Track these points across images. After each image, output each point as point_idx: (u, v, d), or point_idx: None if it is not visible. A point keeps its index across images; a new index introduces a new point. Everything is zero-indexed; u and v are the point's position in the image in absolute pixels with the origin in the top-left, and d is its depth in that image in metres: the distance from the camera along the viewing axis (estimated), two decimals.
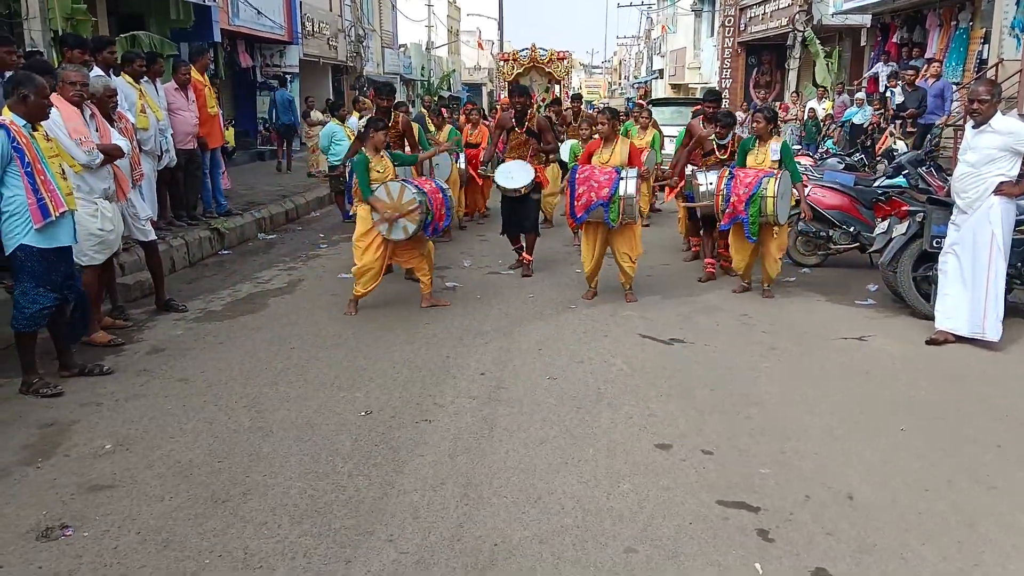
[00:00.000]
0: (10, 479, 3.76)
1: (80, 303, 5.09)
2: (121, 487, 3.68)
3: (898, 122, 13.24)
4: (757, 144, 7.23)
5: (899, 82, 13.85)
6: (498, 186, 8.02)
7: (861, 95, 16.07)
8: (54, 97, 5.29)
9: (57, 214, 4.69)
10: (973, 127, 5.82)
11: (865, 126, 14.80)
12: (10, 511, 3.46)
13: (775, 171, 6.97)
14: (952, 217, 5.97)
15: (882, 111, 14.35)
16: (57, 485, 3.69)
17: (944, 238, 6.06)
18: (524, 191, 7.87)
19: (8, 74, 5.68)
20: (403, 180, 6.62)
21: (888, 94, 14.53)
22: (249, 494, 3.61)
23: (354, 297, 6.62)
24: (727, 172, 7.17)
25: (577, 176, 6.81)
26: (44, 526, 3.33)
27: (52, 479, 3.75)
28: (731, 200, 6.95)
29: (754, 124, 7.35)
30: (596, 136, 7.38)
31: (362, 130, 7.25)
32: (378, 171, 6.56)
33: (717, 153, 7.97)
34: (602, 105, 11.07)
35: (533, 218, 8.19)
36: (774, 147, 7.13)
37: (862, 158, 11.21)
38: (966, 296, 5.83)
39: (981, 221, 5.73)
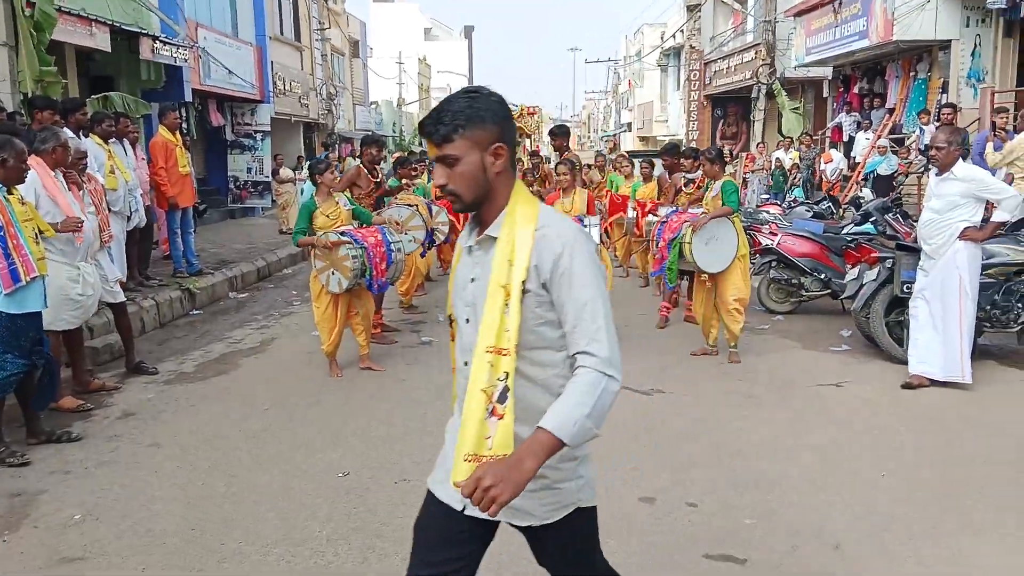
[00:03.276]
0: None
1: (48, 368, 4.98)
2: (91, 559, 3.55)
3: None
4: (711, 186, 7.03)
5: (931, 120, 13.16)
6: None
7: (884, 143, 15.00)
8: (34, 161, 5.29)
9: (28, 279, 4.62)
10: (936, 175, 5.95)
11: (894, 174, 14.04)
12: None
13: (699, 216, 6.73)
14: (920, 263, 6.06)
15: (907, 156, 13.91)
16: (24, 558, 3.56)
17: (914, 283, 6.15)
18: None
19: None
20: (344, 232, 6.29)
21: (917, 131, 13.91)
22: (225, 563, 3.51)
23: (328, 357, 6.48)
24: (664, 218, 7.21)
25: None
26: None
27: (19, 552, 3.62)
28: (659, 245, 6.95)
29: (702, 168, 7.24)
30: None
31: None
32: (327, 216, 6.31)
33: (685, 190, 8.04)
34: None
35: None
36: (716, 186, 6.85)
37: (830, 206, 11.41)
38: (938, 341, 5.89)
39: (948, 266, 5.81)
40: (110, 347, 7.06)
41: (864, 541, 3.66)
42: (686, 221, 6.81)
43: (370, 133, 10.69)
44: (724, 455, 4.72)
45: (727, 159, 8.00)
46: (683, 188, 8.12)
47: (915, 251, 6.26)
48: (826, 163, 16.49)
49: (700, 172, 8.02)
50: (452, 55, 60.51)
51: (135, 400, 5.90)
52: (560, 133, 10.18)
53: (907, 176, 13.65)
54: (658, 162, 10.79)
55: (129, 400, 5.90)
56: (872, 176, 14.65)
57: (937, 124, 12.17)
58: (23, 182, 4.87)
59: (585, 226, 6.71)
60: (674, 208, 7.70)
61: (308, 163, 6.55)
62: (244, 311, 9.46)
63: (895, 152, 14.55)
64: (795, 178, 16.48)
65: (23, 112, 8.24)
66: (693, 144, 26.61)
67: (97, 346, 6.97)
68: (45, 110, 7.27)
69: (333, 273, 6.19)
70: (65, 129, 7.21)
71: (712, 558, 3.52)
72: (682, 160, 8.33)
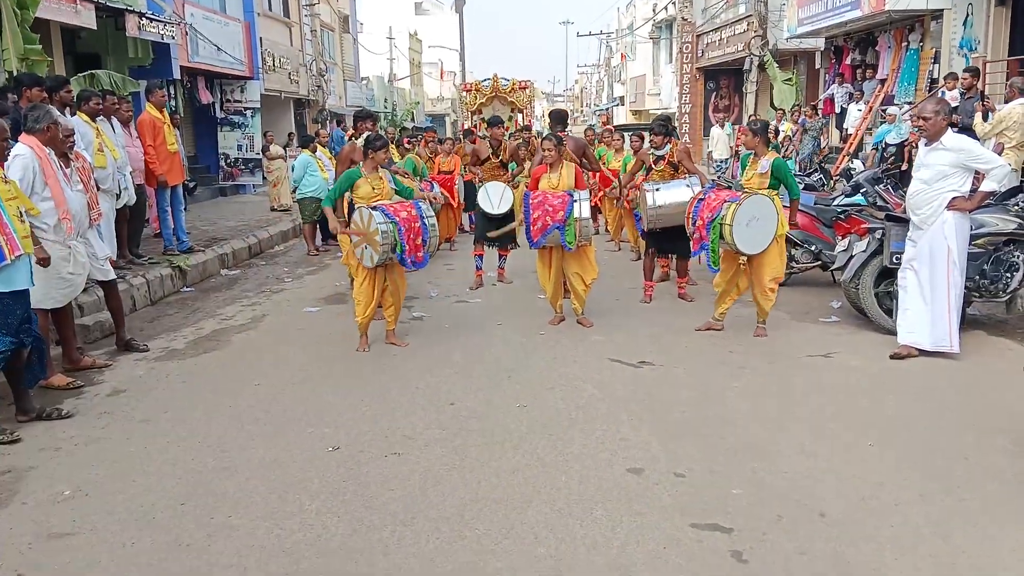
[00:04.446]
0: None
1: (36, 346, 4.97)
2: (80, 534, 3.57)
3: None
4: (751, 159, 6.81)
5: (955, 83, 11.85)
6: (482, 212, 8.73)
7: (893, 110, 14.26)
8: (30, 141, 5.26)
9: (12, 257, 4.61)
10: (925, 145, 5.94)
11: (903, 144, 13.43)
12: None
13: (740, 196, 6.54)
14: (909, 233, 6.06)
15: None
16: (14, 535, 3.57)
17: (903, 254, 6.15)
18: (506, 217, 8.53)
19: None
20: (377, 206, 6.28)
21: (940, 94, 12.36)
22: (214, 536, 3.52)
23: (360, 330, 6.52)
24: (701, 194, 7.02)
25: (531, 201, 6.80)
26: None
27: (8, 528, 3.63)
28: (697, 224, 6.73)
29: (743, 138, 7.15)
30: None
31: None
32: (372, 187, 6.40)
33: (655, 167, 7.97)
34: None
35: (512, 234, 8.72)
36: (763, 163, 6.65)
37: (821, 178, 11.38)
38: (927, 311, 5.91)
39: (936, 236, 5.82)
40: (101, 325, 7.05)
41: (850, 510, 3.69)
42: (725, 200, 6.54)
43: (362, 108, 10.59)
44: (713, 425, 4.74)
45: (770, 135, 7.27)
46: (653, 166, 8.02)
47: (905, 222, 6.26)
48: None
49: (668, 148, 7.95)
50: (443, 30, 59.81)
51: (126, 377, 5.89)
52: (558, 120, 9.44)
53: (916, 146, 13.24)
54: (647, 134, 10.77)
55: (120, 377, 5.89)
56: (882, 145, 14.24)
57: (962, 91, 11.43)
58: (5, 159, 4.85)
59: (575, 200, 6.69)
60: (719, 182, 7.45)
61: (365, 138, 6.27)
62: (235, 288, 9.44)
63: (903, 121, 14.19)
64: (787, 150, 16.44)
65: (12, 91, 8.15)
66: (686, 117, 26.55)
67: (88, 324, 6.96)
68: (34, 87, 7.18)
69: (366, 248, 6.22)
70: (51, 107, 7.16)
71: (699, 527, 3.54)
72: (652, 136, 8.21)
